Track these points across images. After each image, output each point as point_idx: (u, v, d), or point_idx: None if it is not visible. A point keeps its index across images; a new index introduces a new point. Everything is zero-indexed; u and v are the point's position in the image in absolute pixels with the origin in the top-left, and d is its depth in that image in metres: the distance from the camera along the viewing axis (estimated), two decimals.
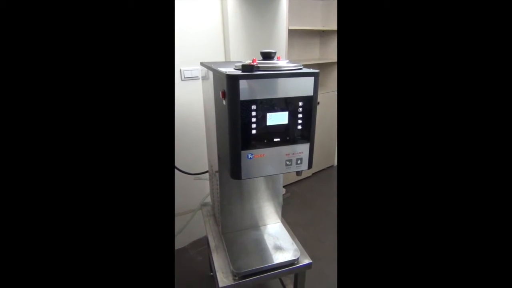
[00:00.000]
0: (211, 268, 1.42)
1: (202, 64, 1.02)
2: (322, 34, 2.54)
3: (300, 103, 0.74)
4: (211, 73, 0.87)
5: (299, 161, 0.80)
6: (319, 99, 0.79)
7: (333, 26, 2.34)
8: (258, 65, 0.71)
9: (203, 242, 1.69)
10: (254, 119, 0.71)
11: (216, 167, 0.99)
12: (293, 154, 0.78)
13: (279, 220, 1.12)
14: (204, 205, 1.32)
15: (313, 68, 0.75)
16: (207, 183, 1.38)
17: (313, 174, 2.58)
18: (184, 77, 1.42)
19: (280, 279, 1.29)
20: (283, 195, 2.13)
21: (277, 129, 0.74)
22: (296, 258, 0.92)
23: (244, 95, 0.68)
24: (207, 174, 1.32)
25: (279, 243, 0.99)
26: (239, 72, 0.68)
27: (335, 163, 2.77)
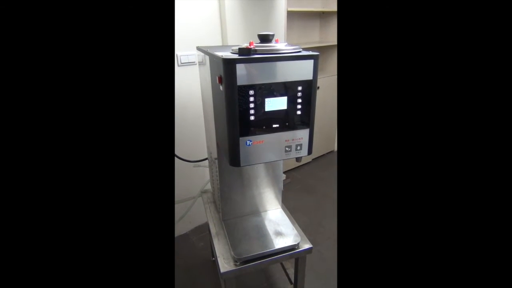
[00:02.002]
0: (212, 253, 1.44)
1: (198, 48, 0.99)
2: (322, 16, 2.47)
3: (299, 88, 0.72)
4: (207, 58, 0.85)
5: (298, 147, 0.79)
6: (319, 84, 0.77)
7: (334, 7, 2.27)
8: (256, 48, 0.68)
9: (205, 228, 1.71)
10: (252, 105, 0.69)
11: (215, 154, 0.99)
12: (293, 140, 0.77)
13: (279, 206, 1.12)
14: (204, 192, 1.33)
15: (312, 51, 0.73)
16: (207, 170, 1.38)
17: (313, 159, 2.58)
18: (181, 63, 1.39)
19: (281, 264, 1.31)
20: (284, 181, 2.14)
21: (276, 115, 0.73)
22: (296, 243, 0.93)
23: (241, 80, 0.66)
24: (207, 161, 1.31)
25: (280, 229, 1.00)
26: (236, 56, 0.66)
27: (335, 148, 2.77)
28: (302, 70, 0.71)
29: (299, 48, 0.74)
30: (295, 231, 0.98)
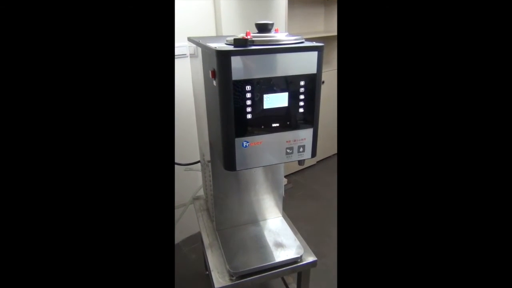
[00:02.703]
0: (206, 267, 1.43)
1: (189, 39, 0.99)
2: (326, 3, 2.47)
3: (302, 83, 0.72)
4: (199, 50, 0.85)
5: (301, 149, 0.79)
6: (323, 78, 0.77)
7: None
8: (253, 39, 0.68)
9: (197, 239, 1.71)
10: (249, 102, 0.69)
11: (208, 157, 0.98)
12: (295, 141, 0.77)
13: (280, 214, 1.12)
14: (196, 198, 1.33)
15: (316, 42, 0.73)
16: (199, 174, 1.37)
17: (317, 162, 2.58)
18: None
19: (283, 279, 1.31)
20: (285, 186, 2.14)
21: (276, 113, 0.73)
22: (299, 255, 0.92)
23: (237, 74, 0.66)
24: (199, 164, 1.31)
25: (281, 240, 0.99)
26: (231, 48, 0.66)
27: None
28: (305, 63, 0.71)
29: (302, 39, 0.74)
30: (298, 242, 0.98)
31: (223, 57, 0.65)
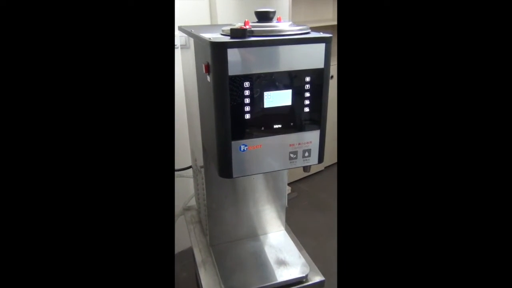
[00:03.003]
0: (198, 286, 1.43)
1: (180, 28, 0.99)
2: None
3: (308, 78, 0.72)
4: (191, 41, 0.85)
5: (306, 154, 0.79)
6: (332, 72, 0.78)
7: None
8: (252, 29, 0.68)
9: (189, 255, 1.70)
10: (247, 100, 0.69)
11: (201, 162, 0.99)
12: (299, 144, 0.77)
13: (282, 227, 1.12)
14: (187, 209, 1.33)
15: (324, 32, 0.73)
16: (191, 181, 1.37)
17: (325, 168, 2.58)
18: None
19: None
20: (288, 195, 2.13)
21: (278, 113, 0.73)
22: (304, 274, 0.93)
23: (234, 69, 0.66)
24: (191, 170, 1.31)
25: (283, 257, 1.00)
26: (227, 39, 0.66)
27: None
28: (311, 56, 0.71)
29: (307, 29, 0.74)
30: (303, 260, 0.98)
31: (219, 50, 0.65)
